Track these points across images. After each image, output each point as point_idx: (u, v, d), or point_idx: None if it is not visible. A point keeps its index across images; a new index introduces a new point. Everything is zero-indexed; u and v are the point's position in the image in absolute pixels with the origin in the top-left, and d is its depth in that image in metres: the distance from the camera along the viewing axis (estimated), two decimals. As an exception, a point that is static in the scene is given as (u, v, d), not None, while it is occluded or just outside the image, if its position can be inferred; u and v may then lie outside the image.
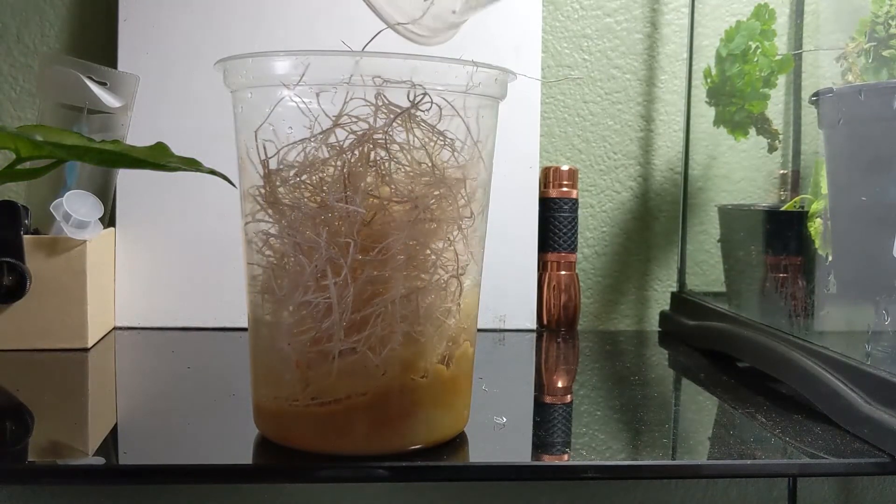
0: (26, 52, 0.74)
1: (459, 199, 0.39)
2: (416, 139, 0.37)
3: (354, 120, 0.37)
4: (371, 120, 0.37)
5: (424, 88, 0.37)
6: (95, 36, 0.74)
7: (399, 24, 0.40)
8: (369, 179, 0.37)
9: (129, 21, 0.71)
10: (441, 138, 0.38)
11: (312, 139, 0.37)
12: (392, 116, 0.37)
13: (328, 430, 0.39)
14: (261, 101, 0.38)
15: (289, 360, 0.39)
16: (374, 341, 0.37)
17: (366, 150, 0.37)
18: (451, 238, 0.39)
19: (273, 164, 0.38)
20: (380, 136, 0.37)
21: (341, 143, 0.37)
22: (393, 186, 0.37)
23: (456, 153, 0.39)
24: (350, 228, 0.36)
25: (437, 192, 0.38)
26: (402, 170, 0.38)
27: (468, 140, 0.39)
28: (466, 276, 0.40)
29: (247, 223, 0.40)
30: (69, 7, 0.74)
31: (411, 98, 0.37)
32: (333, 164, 0.37)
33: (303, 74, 0.37)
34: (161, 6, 0.71)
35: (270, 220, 0.39)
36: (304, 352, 0.38)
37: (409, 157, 0.38)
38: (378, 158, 0.37)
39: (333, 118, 0.37)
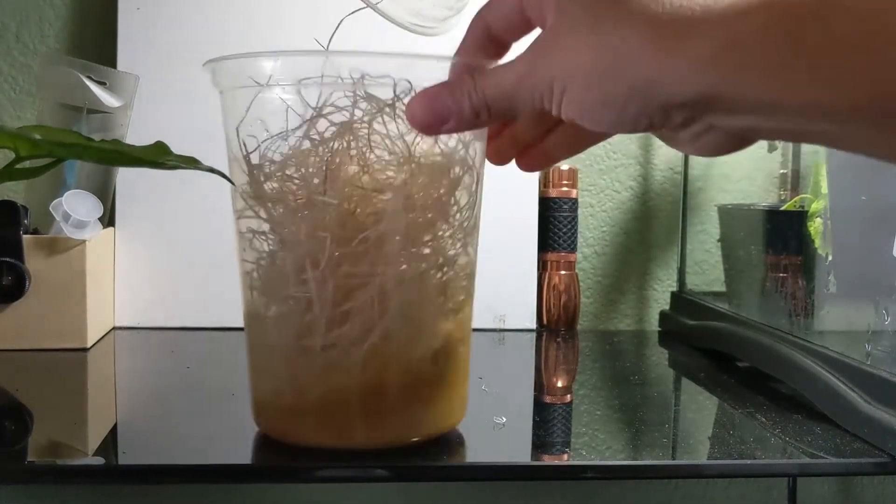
0: (26, 52, 0.74)
1: (441, 188, 0.38)
2: (397, 129, 0.37)
3: (337, 110, 0.37)
4: (351, 111, 0.37)
5: (410, 83, 0.36)
6: (95, 36, 0.74)
7: (377, 1, 0.40)
8: (351, 170, 0.37)
9: (128, 21, 0.71)
10: None
11: (291, 132, 0.37)
12: (375, 108, 0.37)
13: (316, 424, 0.39)
14: (246, 100, 0.39)
15: (278, 355, 0.39)
16: (355, 336, 0.37)
17: (346, 140, 0.37)
18: (438, 229, 0.39)
19: (256, 160, 0.38)
20: (360, 126, 0.37)
21: (322, 133, 0.37)
22: (373, 176, 0.37)
23: (439, 142, 0.38)
24: (329, 221, 0.36)
25: (420, 181, 0.38)
26: (384, 159, 0.37)
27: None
28: (455, 269, 0.40)
29: (237, 219, 0.40)
30: (69, 7, 0.74)
31: (397, 92, 0.37)
32: (314, 156, 0.37)
33: (271, 73, 0.37)
34: (161, 6, 0.71)
35: (256, 216, 0.39)
36: (290, 346, 0.38)
37: (387, 143, 0.37)
38: (358, 148, 0.37)
39: (315, 109, 0.37)
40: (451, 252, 0.40)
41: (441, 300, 0.40)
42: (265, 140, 0.38)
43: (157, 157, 0.37)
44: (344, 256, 0.37)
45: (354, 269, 0.37)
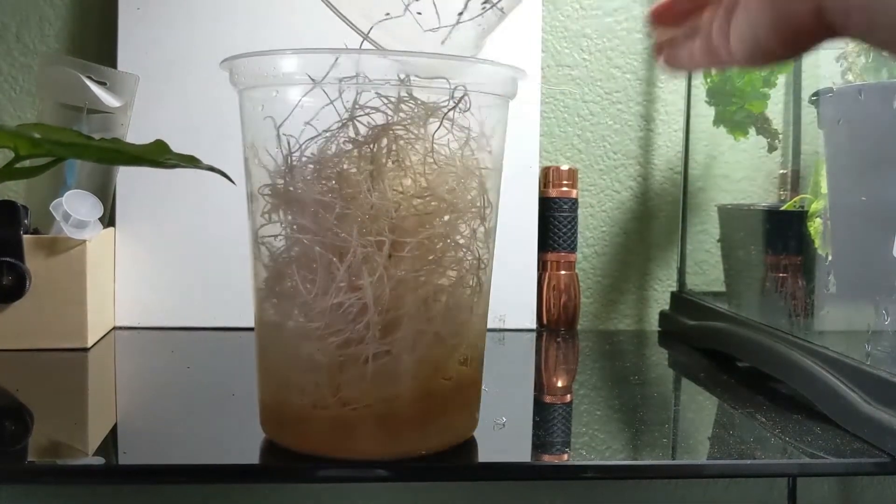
0: (26, 52, 0.74)
1: (473, 190, 0.38)
2: (439, 133, 0.37)
3: (374, 111, 0.36)
4: (391, 115, 0.36)
5: (465, 89, 0.36)
6: (95, 36, 0.74)
7: (368, 31, 0.40)
8: (394, 174, 0.36)
9: (128, 21, 0.71)
10: (461, 131, 0.38)
11: (329, 133, 0.37)
12: (423, 111, 0.36)
13: (353, 435, 0.38)
14: (268, 99, 0.38)
15: (316, 365, 0.37)
16: (407, 343, 0.36)
17: (387, 143, 0.36)
18: (474, 230, 0.39)
19: (281, 161, 0.38)
20: (401, 129, 0.36)
21: (363, 136, 0.36)
22: (414, 180, 0.37)
23: (472, 146, 0.38)
24: (380, 225, 0.36)
25: (461, 183, 0.38)
26: (424, 163, 0.37)
27: (479, 135, 0.39)
28: (486, 272, 0.40)
29: (261, 225, 0.39)
30: (69, 7, 0.74)
31: (454, 97, 0.36)
32: (355, 157, 0.36)
33: (298, 71, 0.36)
34: (161, 6, 0.71)
35: (282, 221, 0.38)
36: (333, 356, 0.37)
37: (425, 147, 0.37)
38: (397, 150, 0.36)
39: (349, 111, 0.36)
40: (485, 254, 0.39)
41: (475, 303, 0.39)
42: (308, 140, 0.37)
43: (157, 155, 0.37)
44: (396, 260, 0.36)
45: (404, 274, 0.36)
